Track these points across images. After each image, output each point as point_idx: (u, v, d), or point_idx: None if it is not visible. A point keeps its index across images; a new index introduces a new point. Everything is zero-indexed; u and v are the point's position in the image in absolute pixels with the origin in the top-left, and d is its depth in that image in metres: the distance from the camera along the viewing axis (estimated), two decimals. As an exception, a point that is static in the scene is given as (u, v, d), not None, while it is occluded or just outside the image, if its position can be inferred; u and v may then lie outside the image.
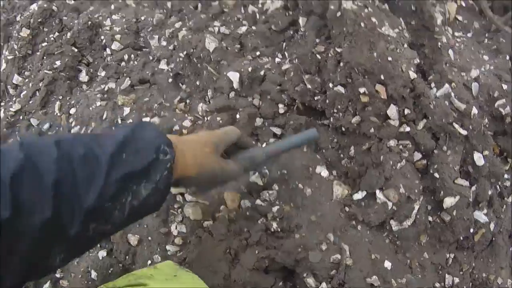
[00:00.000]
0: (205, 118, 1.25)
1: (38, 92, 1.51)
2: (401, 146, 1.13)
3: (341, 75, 1.14)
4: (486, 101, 1.21)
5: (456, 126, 1.12)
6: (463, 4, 1.46)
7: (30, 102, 1.51)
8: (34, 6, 1.65)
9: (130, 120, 1.30)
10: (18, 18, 1.75)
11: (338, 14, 1.17)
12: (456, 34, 1.41)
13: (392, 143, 1.12)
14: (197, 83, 1.35)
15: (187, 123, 1.24)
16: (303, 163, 1.15)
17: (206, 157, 0.89)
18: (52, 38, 1.59)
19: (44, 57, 1.54)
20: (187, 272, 0.79)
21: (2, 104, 1.59)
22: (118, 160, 0.70)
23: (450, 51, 1.28)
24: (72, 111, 1.43)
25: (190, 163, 0.85)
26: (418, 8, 1.28)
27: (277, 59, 1.32)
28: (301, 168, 1.14)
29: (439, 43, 1.27)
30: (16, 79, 1.60)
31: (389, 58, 1.11)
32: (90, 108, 1.38)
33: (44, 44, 1.59)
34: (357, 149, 1.15)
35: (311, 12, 1.28)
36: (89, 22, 1.53)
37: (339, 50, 1.17)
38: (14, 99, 1.57)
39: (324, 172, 1.15)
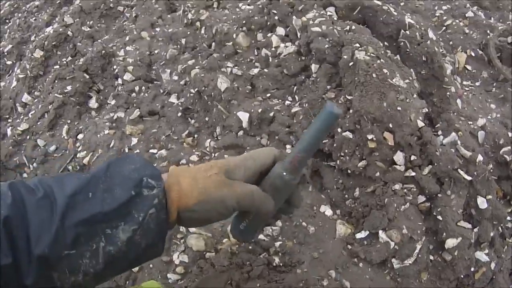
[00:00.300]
0: (213, 155, 1.38)
1: (47, 114, 1.64)
2: (405, 190, 1.24)
3: (350, 121, 1.27)
4: (492, 147, 1.35)
5: (461, 172, 1.24)
6: (473, 54, 1.63)
7: (38, 123, 1.65)
8: (49, 29, 1.82)
9: (137, 150, 1.43)
10: (32, 38, 1.93)
11: (351, 63, 1.32)
12: (465, 83, 1.57)
13: (397, 186, 1.24)
14: (206, 119, 1.49)
15: (194, 158, 1.37)
16: (308, 202, 1.28)
17: (209, 181, 0.76)
18: (64, 62, 1.75)
19: (56, 81, 1.69)
20: (170, 290, 0.84)
21: (10, 121, 1.74)
22: (79, 201, 0.65)
23: (458, 101, 1.42)
24: (80, 136, 1.57)
25: (187, 190, 0.74)
26: (429, 58, 1.44)
27: (287, 102, 1.46)
28: (306, 206, 1.27)
29: (448, 93, 1.41)
30: (26, 98, 1.75)
31: (398, 108, 1.24)
32: (98, 136, 1.52)
33: (56, 67, 1.75)
34: (362, 191, 1.27)
35: (324, 59, 1.43)
36: (103, 51, 1.70)
37: (349, 97, 1.31)
38: (22, 117, 1.71)
39: (328, 211, 1.27)
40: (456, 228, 1.21)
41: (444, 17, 1.71)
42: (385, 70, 1.29)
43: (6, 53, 2.00)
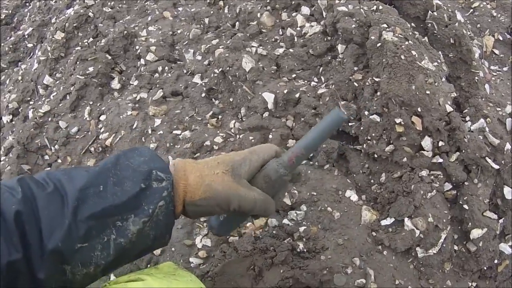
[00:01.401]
0: (237, 136, 1.33)
1: (69, 95, 1.61)
2: (432, 177, 1.19)
3: (378, 104, 1.22)
4: (520, 135, 1.27)
5: (489, 160, 1.19)
6: (500, 38, 1.56)
7: (60, 104, 1.61)
8: (70, 11, 1.77)
9: (161, 132, 1.38)
10: (53, 20, 1.88)
11: (378, 44, 1.26)
12: (492, 67, 1.50)
13: (424, 173, 1.19)
14: (231, 99, 1.44)
15: (218, 139, 1.33)
16: (333, 186, 1.23)
17: (216, 178, 0.77)
18: (86, 43, 1.71)
19: (77, 62, 1.65)
20: (186, 272, 0.79)
21: (32, 103, 1.70)
22: (90, 195, 0.65)
23: (486, 86, 1.36)
24: (102, 117, 1.53)
25: (194, 185, 0.76)
26: (457, 41, 1.37)
27: (313, 83, 1.41)
28: (331, 191, 1.22)
29: (476, 78, 1.35)
30: (47, 80, 1.71)
31: (427, 92, 1.18)
32: (121, 117, 1.48)
33: (78, 48, 1.71)
34: (388, 176, 1.22)
35: (350, 40, 1.37)
36: (125, 32, 1.64)
37: (377, 79, 1.26)
38: (43, 99, 1.68)
39: (354, 197, 1.23)
40: (482, 218, 1.16)
41: (472, -1, 1.62)
42: (413, 52, 1.23)
43: (27, 36, 1.97)
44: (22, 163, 1.55)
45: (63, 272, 0.63)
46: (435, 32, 1.41)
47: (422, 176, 1.19)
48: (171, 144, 1.34)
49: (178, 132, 1.37)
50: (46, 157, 1.56)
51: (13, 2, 2.21)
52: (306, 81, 1.42)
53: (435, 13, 1.43)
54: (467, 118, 1.28)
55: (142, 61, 1.61)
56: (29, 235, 0.60)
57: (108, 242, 0.66)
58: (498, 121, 1.28)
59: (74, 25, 1.74)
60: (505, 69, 1.51)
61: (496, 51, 1.53)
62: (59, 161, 1.52)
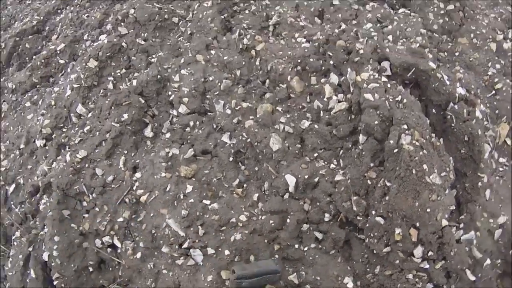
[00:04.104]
0: (260, 217, 1.67)
1: (104, 142, 1.90)
2: (417, 279, 1.56)
3: (384, 209, 1.59)
4: (505, 243, 1.62)
5: (468, 272, 1.55)
6: (514, 128, 2.01)
7: (96, 150, 1.90)
8: (103, 38, 1.85)
9: (192, 200, 1.69)
10: (85, 37, 1.92)
11: (395, 150, 1.58)
12: (501, 160, 1.86)
13: (410, 276, 1.57)
14: (256, 168, 1.81)
15: (243, 217, 1.68)
16: (335, 273, 1.64)
17: None
18: (118, 74, 1.87)
19: (112, 107, 1.93)
20: None
21: (64, 130, 1.90)
22: None
23: (487, 192, 1.70)
24: (138, 175, 1.82)
25: None
26: (471, 139, 1.72)
27: (332, 165, 1.73)
28: (332, 277, 1.62)
29: (480, 183, 1.68)
30: (80, 109, 2.03)
31: (428, 210, 1.52)
32: (155, 177, 1.84)
33: (110, 78, 1.90)
34: (382, 270, 1.62)
35: (371, 134, 1.68)
36: (158, 76, 1.81)
37: (388, 184, 1.60)
38: (76, 129, 1.98)
39: (350, 284, 1.62)
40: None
41: (496, 79, 1.78)
42: (424, 166, 1.52)
43: (58, 52, 2.18)
44: (62, 208, 1.80)
45: None
46: (453, 125, 1.71)
47: (409, 278, 1.62)
48: (201, 213, 1.56)
49: (207, 202, 1.68)
50: (84, 203, 1.83)
51: (45, 8, 2.15)
52: (326, 163, 1.73)
53: (455, 106, 1.76)
54: (461, 225, 1.64)
55: (175, 112, 1.79)
56: None
57: None
58: (487, 232, 1.63)
59: (107, 54, 1.98)
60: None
61: (509, 141, 1.80)
62: (97, 209, 1.80)
